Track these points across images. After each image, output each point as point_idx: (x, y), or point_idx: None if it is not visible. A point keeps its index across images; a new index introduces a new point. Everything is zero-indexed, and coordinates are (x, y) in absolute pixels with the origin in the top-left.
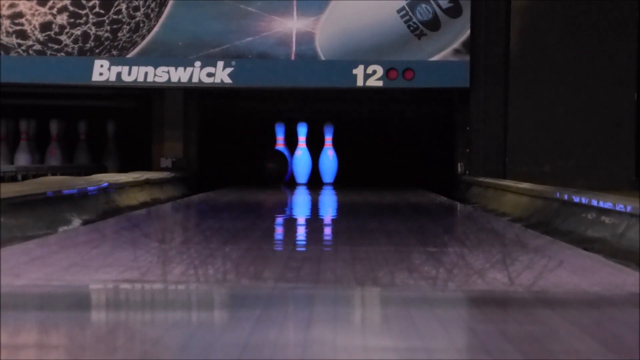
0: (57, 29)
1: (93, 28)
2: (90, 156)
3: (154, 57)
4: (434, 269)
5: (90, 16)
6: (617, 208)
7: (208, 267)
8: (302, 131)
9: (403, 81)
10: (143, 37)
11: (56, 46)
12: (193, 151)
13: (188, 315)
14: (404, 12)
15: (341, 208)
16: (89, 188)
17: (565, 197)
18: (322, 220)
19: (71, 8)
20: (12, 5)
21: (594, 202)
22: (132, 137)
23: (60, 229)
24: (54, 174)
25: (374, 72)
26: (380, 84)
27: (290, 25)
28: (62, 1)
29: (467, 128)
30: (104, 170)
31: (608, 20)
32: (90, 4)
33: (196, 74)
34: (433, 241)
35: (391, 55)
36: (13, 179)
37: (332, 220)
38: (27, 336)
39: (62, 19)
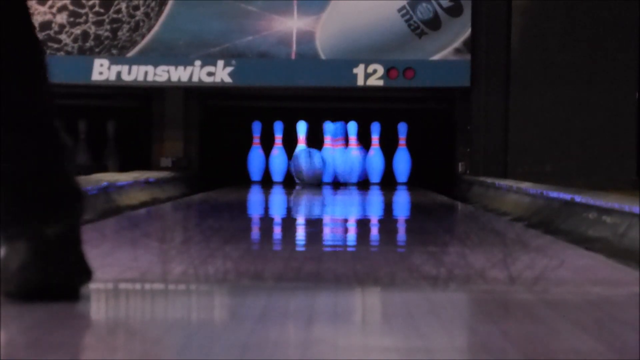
0: (56, 28)
1: (93, 27)
2: (90, 156)
3: (154, 56)
4: (434, 268)
5: (90, 15)
6: (618, 207)
7: (208, 267)
8: (301, 129)
9: (404, 80)
10: (143, 36)
11: (56, 45)
12: (193, 151)
13: (188, 314)
14: (404, 11)
15: (340, 207)
16: (88, 188)
17: (567, 196)
18: (322, 220)
19: (71, 7)
20: None
21: (595, 202)
22: (132, 137)
23: None
24: None
25: (375, 71)
26: (380, 83)
27: (291, 24)
28: (62, 0)
29: (468, 127)
30: (104, 169)
31: (609, 19)
32: (90, 3)
33: (196, 73)
34: (434, 241)
35: (392, 55)
36: None
37: (332, 220)
38: (27, 335)
39: (61, 18)
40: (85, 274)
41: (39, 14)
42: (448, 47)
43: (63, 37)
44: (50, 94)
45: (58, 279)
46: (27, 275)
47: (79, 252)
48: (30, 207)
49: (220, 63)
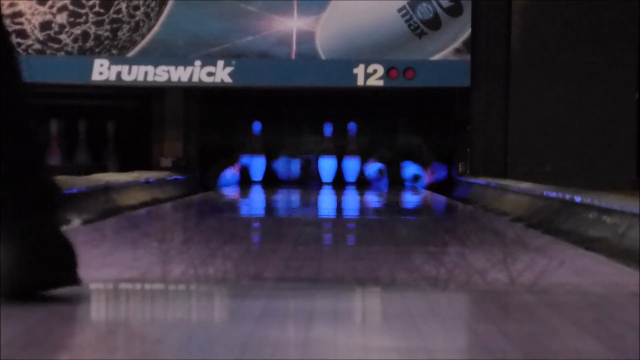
0: (56, 28)
1: (93, 27)
2: (90, 155)
3: (154, 56)
4: (434, 268)
5: (90, 15)
6: (618, 207)
7: (208, 267)
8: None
9: (404, 80)
10: (143, 37)
11: (56, 45)
12: (193, 151)
13: (188, 314)
14: (404, 11)
15: (340, 208)
16: (88, 187)
17: (567, 196)
18: (322, 219)
19: (71, 7)
20: (11, 5)
21: (595, 202)
22: (132, 137)
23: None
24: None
25: (375, 71)
26: (380, 83)
27: (291, 24)
28: (62, 0)
29: (468, 128)
30: (104, 169)
31: (609, 19)
32: (90, 3)
33: (196, 73)
34: (434, 241)
35: (392, 55)
36: None
37: (332, 219)
38: (27, 335)
39: (61, 18)
40: (73, 272)
41: (39, 14)
42: (448, 47)
43: (63, 37)
44: (24, 92)
45: (47, 277)
46: (17, 274)
47: (63, 249)
48: (11, 207)
49: (220, 63)
